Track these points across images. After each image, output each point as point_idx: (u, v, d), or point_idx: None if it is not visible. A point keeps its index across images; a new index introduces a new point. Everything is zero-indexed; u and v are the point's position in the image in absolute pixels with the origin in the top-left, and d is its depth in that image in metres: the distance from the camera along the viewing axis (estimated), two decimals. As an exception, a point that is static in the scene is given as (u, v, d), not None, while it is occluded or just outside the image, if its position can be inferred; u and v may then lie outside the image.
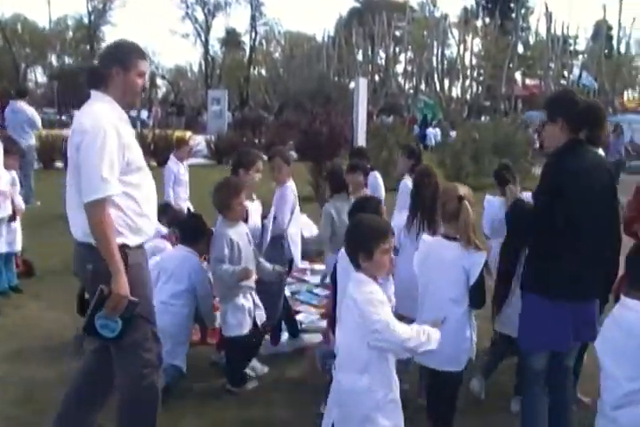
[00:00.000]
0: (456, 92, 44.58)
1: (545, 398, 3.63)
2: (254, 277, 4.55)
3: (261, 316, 4.68)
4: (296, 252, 5.41)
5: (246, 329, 4.53)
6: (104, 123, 3.20)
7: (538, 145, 24.15)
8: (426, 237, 3.94)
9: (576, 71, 43.36)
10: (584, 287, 3.51)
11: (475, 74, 47.39)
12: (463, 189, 3.64)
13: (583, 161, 3.48)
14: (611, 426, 3.01)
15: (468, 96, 44.54)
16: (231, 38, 59.32)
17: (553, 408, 3.68)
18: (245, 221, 4.72)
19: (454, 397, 3.65)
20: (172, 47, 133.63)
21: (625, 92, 46.98)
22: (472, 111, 39.69)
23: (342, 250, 3.44)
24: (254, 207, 5.02)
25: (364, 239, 3.02)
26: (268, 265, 4.82)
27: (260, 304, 4.68)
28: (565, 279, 3.45)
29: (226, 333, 4.58)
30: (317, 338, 5.46)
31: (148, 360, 3.41)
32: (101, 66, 3.44)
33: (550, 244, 3.46)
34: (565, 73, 46.08)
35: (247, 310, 4.54)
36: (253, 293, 4.64)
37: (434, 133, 29.45)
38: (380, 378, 3.01)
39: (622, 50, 44.94)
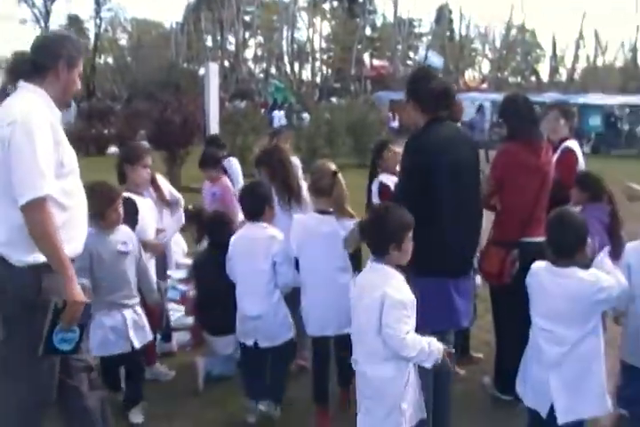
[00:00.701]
0: (306, 74, 44.97)
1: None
2: (129, 292, 4.03)
3: (143, 337, 4.09)
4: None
5: (113, 350, 3.97)
6: (39, 115, 2.82)
7: (397, 124, 24.76)
8: (298, 215, 4.08)
9: (422, 52, 44.85)
10: (465, 262, 3.56)
11: (324, 56, 47.99)
12: (333, 165, 3.89)
13: (445, 138, 3.47)
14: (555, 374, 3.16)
15: (319, 79, 44.98)
16: (74, 25, 56.60)
17: (437, 389, 3.65)
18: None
19: None
20: (8, 34, 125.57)
21: (466, 72, 49.17)
22: (323, 93, 40.10)
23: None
24: (147, 205, 4.53)
25: (395, 229, 3.02)
26: (152, 286, 4.29)
27: (142, 322, 4.09)
28: (449, 256, 3.44)
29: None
30: (186, 336, 5.28)
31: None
32: (45, 58, 2.98)
33: (421, 225, 3.32)
34: (412, 54, 47.66)
35: (110, 329, 3.94)
36: (128, 311, 4.01)
37: (279, 116, 29.93)
38: (402, 364, 3.01)
39: (463, 32, 47.01)
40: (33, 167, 2.73)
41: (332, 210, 3.84)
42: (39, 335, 2.80)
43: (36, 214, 2.72)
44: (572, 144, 5.13)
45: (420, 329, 3.40)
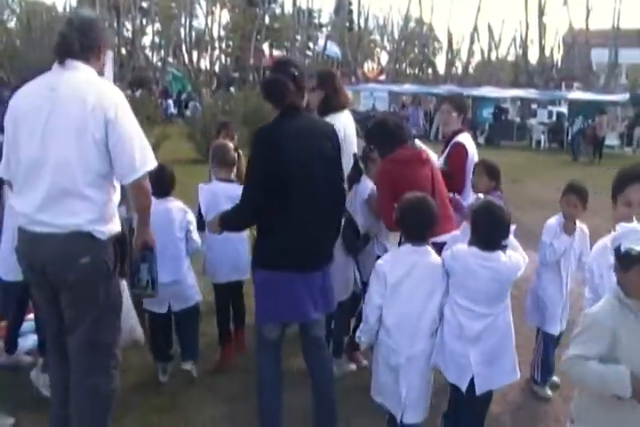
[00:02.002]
0: (205, 63, 44.23)
1: (277, 365, 3.64)
2: None
3: None
4: None
5: None
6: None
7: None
8: (202, 184, 4.91)
9: (321, 43, 44.98)
10: (309, 258, 3.46)
11: (223, 45, 47.38)
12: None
13: (294, 129, 3.38)
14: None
15: (217, 68, 44.38)
16: (-45, 7, 53.58)
17: (315, 379, 3.73)
18: None
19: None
20: None
21: (365, 63, 49.66)
22: (221, 83, 39.60)
23: None
24: None
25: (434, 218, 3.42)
26: None
27: None
28: (293, 250, 3.39)
29: None
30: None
31: (117, 361, 3.30)
32: (92, 39, 3.14)
33: (269, 218, 3.38)
34: (311, 44, 47.69)
35: None
36: None
37: (169, 105, 29.83)
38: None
39: (362, 24, 47.42)
40: (145, 144, 3.10)
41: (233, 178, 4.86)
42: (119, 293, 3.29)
43: (146, 183, 3.16)
44: (463, 137, 5.21)
45: (262, 319, 3.53)
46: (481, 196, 3.93)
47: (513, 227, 3.43)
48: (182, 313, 4.52)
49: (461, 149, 5.10)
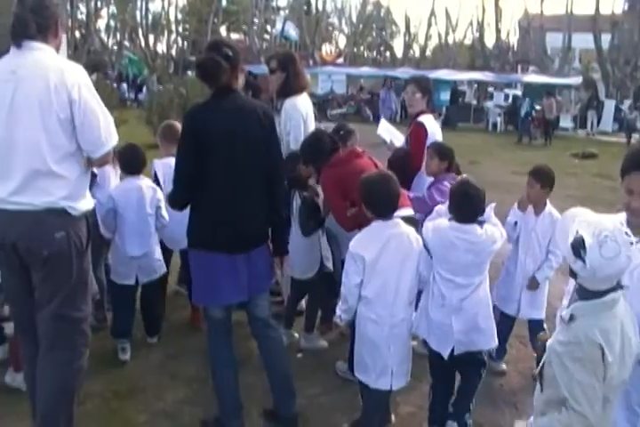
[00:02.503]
0: (161, 47, 43.63)
1: (227, 344, 3.67)
2: None
3: None
4: None
5: None
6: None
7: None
8: (155, 160, 5.07)
9: (279, 26, 44.63)
10: (239, 238, 3.46)
11: (180, 29, 46.72)
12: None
13: (223, 109, 3.36)
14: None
15: (174, 51, 43.78)
16: None
17: (265, 357, 3.79)
18: None
19: None
20: None
21: (323, 47, 49.51)
22: (178, 66, 39.10)
23: None
24: None
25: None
26: None
27: None
28: (216, 231, 3.40)
29: None
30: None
31: (86, 339, 3.34)
32: (47, 18, 3.12)
33: (196, 196, 3.40)
34: (269, 27, 47.33)
35: None
36: None
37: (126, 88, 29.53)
38: None
39: (320, 7, 47.20)
40: (109, 120, 3.16)
41: None
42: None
43: (109, 157, 3.31)
44: (425, 118, 5.27)
45: (196, 300, 3.67)
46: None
47: (493, 204, 3.65)
48: (149, 285, 4.72)
49: (420, 128, 5.16)
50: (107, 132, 3.15)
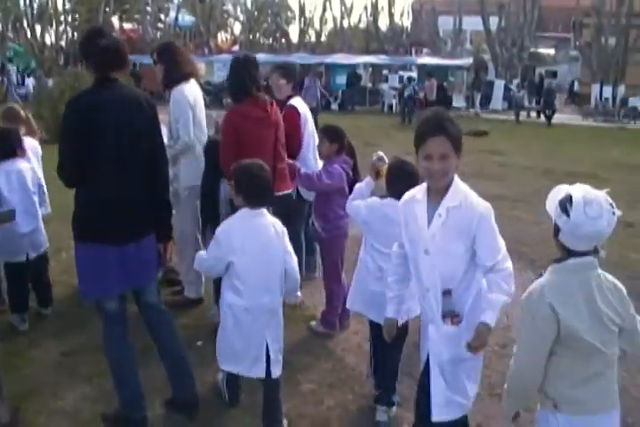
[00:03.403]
0: (50, 38, 41.99)
1: (123, 336, 3.67)
2: None
3: None
4: None
5: None
6: None
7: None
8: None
9: (172, 14, 43.75)
10: (128, 228, 3.48)
11: (69, 19, 45.09)
12: None
13: (107, 99, 3.38)
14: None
15: (64, 42, 42.26)
16: None
17: (159, 342, 3.81)
18: None
19: None
20: None
21: (219, 34, 48.89)
22: (69, 58, 37.80)
23: None
24: None
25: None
26: None
27: None
28: (105, 222, 3.41)
29: None
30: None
31: None
32: None
33: (80, 189, 3.42)
34: (162, 16, 46.31)
35: None
36: None
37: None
38: None
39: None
40: None
41: None
42: None
43: None
44: (295, 101, 5.50)
45: (83, 293, 3.65)
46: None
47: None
48: (37, 259, 5.13)
49: (293, 110, 5.46)
50: None
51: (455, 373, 2.93)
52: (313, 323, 5.05)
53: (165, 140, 5.16)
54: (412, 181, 3.55)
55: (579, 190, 2.43)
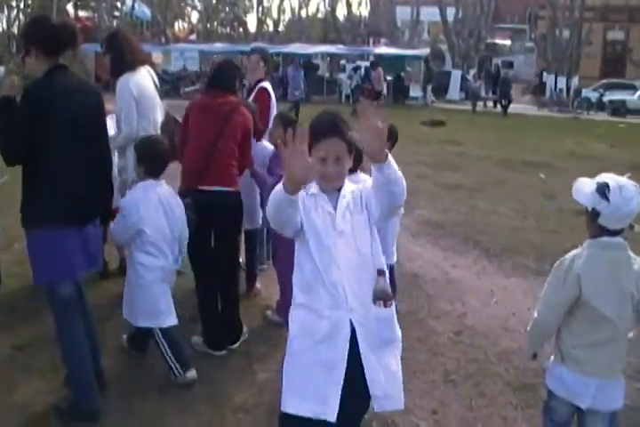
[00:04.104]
0: (1, 24, 41.06)
1: (79, 323, 3.67)
2: None
3: None
4: None
5: None
6: None
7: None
8: None
9: (129, 3, 43.12)
10: (87, 208, 3.55)
11: (22, 4, 44.13)
12: None
13: (63, 86, 3.41)
14: None
15: (16, 29, 41.34)
16: None
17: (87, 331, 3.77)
18: None
19: None
20: None
21: (176, 23, 48.36)
22: (21, 45, 37.05)
23: None
24: None
25: None
26: None
27: None
28: (58, 204, 3.41)
29: None
30: None
31: None
32: None
33: (37, 174, 3.41)
34: (119, 4, 45.61)
35: None
36: None
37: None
38: None
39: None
40: None
41: None
42: None
43: None
44: (266, 84, 5.94)
45: (40, 279, 3.56)
46: None
47: None
48: None
49: (265, 92, 5.87)
50: None
51: (388, 359, 2.69)
52: (268, 312, 5.04)
53: (112, 131, 5.12)
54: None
55: (610, 178, 2.79)
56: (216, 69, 4.66)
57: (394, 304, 2.73)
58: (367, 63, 30.43)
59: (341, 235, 2.63)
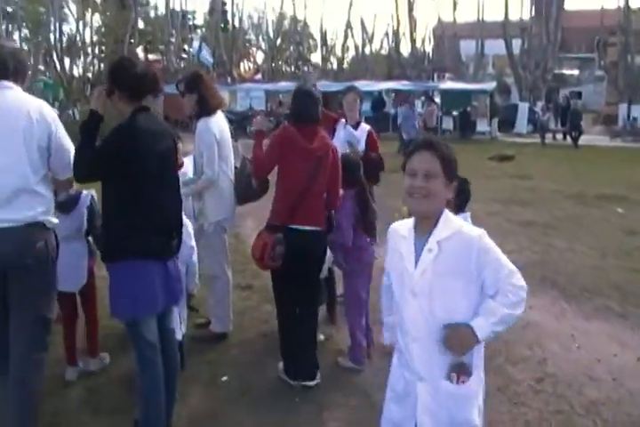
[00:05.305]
0: (77, 70, 42.78)
1: (159, 360, 3.63)
2: None
3: None
4: None
5: None
6: None
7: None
8: None
9: (195, 44, 44.45)
10: (165, 244, 3.57)
11: (96, 50, 45.99)
12: None
13: (148, 128, 3.47)
14: None
15: (91, 74, 43.04)
16: None
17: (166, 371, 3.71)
18: None
19: None
20: None
21: (241, 63, 49.44)
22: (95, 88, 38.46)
23: None
24: None
25: None
26: None
27: None
28: (151, 237, 3.47)
29: None
30: None
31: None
32: (24, 65, 3.65)
33: (119, 210, 3.47)
34: (186, 47, 47.06)
35: None
36: None
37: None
38: None
39: (237, 24, 47.20)
40: (73, 150, 3.47)
41: None
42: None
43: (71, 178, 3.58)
44: (367, 126, 5.93)
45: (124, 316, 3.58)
46: None
47: None
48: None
49: (374, 135, 5.95)
50: (71, 159, 3.45)
51: None
52: (340, 359, 4.91)
53: (190, 173, 5.12)
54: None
55: None
56: (297, 99, 4.58)
57: (476, 381, 2.52)
58: (434, 98, 30.37)
59: (415, 296, 2.44)
